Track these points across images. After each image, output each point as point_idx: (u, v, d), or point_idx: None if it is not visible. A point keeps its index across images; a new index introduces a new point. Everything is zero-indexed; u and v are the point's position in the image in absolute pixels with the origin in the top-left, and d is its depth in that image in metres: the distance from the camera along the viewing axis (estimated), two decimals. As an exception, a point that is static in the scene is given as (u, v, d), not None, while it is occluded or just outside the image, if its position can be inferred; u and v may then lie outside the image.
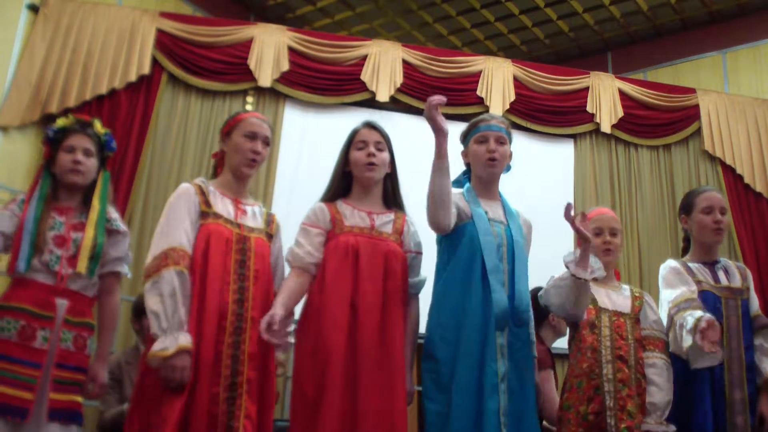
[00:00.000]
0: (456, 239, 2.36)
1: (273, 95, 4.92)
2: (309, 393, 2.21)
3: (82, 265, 2.34)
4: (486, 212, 2.41)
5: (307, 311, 2.35)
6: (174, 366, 2.08)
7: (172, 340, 2.11)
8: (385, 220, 2.45)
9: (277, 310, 2.19)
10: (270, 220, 2.49)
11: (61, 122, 2.50)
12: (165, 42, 4.73)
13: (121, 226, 2.52)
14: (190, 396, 2.11)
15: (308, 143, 4.88)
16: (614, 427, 2.28)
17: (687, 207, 2.81)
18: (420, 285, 2.46)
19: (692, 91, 5.43)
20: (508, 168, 2.55)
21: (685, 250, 2.88)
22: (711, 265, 2.75)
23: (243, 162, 2.40)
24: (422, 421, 2.38)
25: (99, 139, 2.52)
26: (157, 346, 2.11)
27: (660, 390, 2.38)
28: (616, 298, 2.52)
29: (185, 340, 2.11)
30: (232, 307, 2.22)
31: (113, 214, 2.51)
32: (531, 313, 2.38)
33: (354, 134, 2.51)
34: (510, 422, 2.17)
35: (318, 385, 2.20)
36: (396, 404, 2.23)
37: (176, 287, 2.15)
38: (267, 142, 2.45)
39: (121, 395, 3.37)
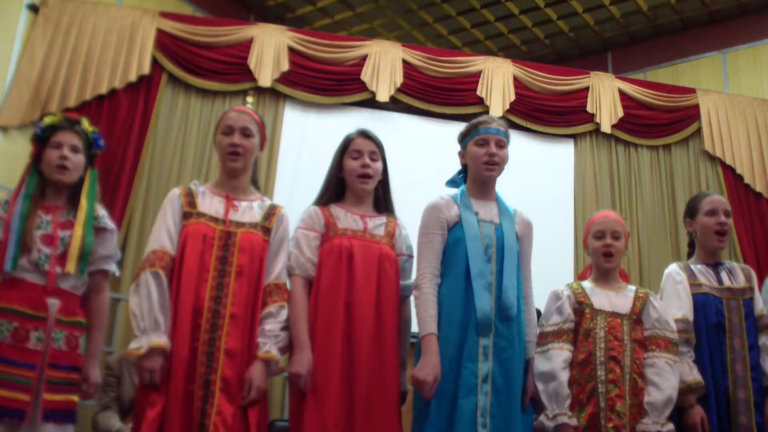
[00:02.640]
0: (445, 245, 2.39)
1: (273, 95, 4.91)
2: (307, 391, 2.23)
3: (72, 265, 2.32)
4: (477, 213, 2.42)
5: None
6: (143, 367, 2.14)
7: (146, 339, 2.15)
8: (377, 223, 2.47)
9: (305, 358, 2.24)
10: (271, 212, 2.45)
11: (48, 119, 2.49)
12: (165, 42, 4.73)
13: (109, 223, 2.50)
14: (166, 394, 2.14)
15: (308, 143, 4.87)
16: (603, 427, 2.28)
17: (691, 210, 2.86)
18: (411, 288, 2.46)
19: (692, 91, 5.43)
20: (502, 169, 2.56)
21: (690, 255, 2.91)
22: (714, 266, 2.77)
23: (224, 158, 2.43)
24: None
25: (87, 137, 2.50)
26: (132, 345, 2.16)
27: (658, 390, 2.36)
28: (615, 299, 2.51)
29: (158, 338, 2.14)
30: (209, 303, 2.22)
31: (100, 211, 2.48)
32: (521, 309, 2.36)
33: (348, 142, 2.52)
34: (495, 423, 2.18)
35: (315, 385, 2.22)
36: (389, 404, 2.27)
37: (151, 288, 2.19)
38: (246, 132, 2.42)
39: (119, 393, 3.37)
